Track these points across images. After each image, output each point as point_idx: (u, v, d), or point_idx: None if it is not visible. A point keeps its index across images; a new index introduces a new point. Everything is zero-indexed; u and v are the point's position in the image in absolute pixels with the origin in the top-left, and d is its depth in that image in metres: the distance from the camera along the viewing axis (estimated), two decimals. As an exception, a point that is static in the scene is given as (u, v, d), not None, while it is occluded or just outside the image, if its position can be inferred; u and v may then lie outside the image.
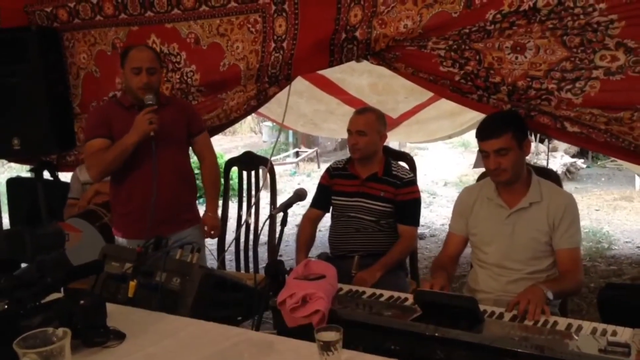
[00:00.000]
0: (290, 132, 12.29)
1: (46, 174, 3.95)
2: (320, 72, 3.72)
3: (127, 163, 2.86)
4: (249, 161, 3.69)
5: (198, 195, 3.41)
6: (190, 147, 3.16)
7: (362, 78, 4.33)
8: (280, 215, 2.35)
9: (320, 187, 3.22)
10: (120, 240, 2.99)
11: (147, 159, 2.84)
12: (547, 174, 2.66)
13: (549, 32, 2.45)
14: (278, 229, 2.34)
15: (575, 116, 2.54)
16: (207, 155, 3.21)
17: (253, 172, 3.66)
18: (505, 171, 2.39)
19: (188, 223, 3.06)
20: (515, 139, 2.38)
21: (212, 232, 3.18)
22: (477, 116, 4.65)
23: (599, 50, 2.40)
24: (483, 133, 2.43)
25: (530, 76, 2.56)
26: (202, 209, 3.21)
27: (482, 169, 2.73)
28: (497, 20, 2.50)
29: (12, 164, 8.02)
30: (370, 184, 3.02)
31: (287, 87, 3.23)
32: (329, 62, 2.96)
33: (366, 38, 2.79)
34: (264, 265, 2.86)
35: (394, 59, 2.84)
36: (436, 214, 7.58)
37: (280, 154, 12.60)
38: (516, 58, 2.57)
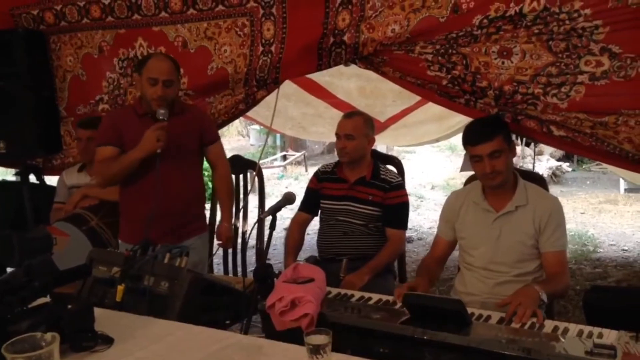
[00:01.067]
0: (278, 135, 12.30)
1: (32, 178, 3.92)
2: (308, 75, 3.73)
3: (136, 170, 2.84)
4: (237, 165, 3.68)
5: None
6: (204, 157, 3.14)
7: (350, 82, 4.34)
8: (268, 218, 2.36)
9: (309, 190, 3.23)
10: (122, 244, 2.97)
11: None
12: (533, 177, 2.69)
13: (535, 37, 2.47)
14: (267, 232, 2.34)
15: (561, 120, 2.56)
16: (221, 164, 3.18)
17: (241, 176, 3.65)
18: (500, 174, 2.41)
19: (194, 232, 3.04)
20: (506, 141, 2.42)
21: (226, 242, 3.18)
22: (464, 120, 4.67)
23: (584, 55, 2.42)
24: (474, 138, 2.43)
25: (517, 81, 2.58)
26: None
27: (470, 173, 2.75)
28: (483, 25, 2.52)
29: (-2, 168, 7.94)
30: (359, 188, 3.04)
31: (276, 91, 3.24)
32: (317, 66, 2.97)
33: (354, 42, 2.81)
34: (252, 269, 2.87)
35: (382, 63, 2.85)
36: (424, 217, 7.62)
37: (267, 157, 12.59)
38: (502, 63, 2.59)
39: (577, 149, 2.64)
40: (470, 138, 2.45)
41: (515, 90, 2.60)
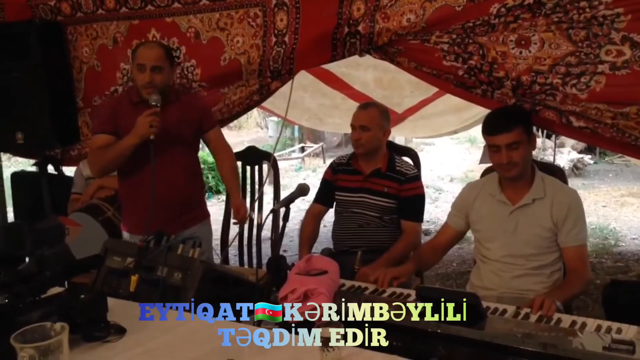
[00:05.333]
0: (296, 127, 12.27)
1: (51, 169, 3.95)
2: (324, 66, 3.70)
3: (134, 159, 2.85)
4: (253, 156, 3.67)
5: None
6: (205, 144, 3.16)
7: (367, 73, 4.31)
8: (283, 210, 2.34)
9: (324, 182, 3.21)
10: (126, 235, 3.00)
11: (155, 156, 2.80)
12: (552, 170, 2.64)
13: (554, 25, 2.42)
14: (281, 224, 2.33)
15: (581, 111, 2.51)
16: (223, 149, 3.17)
17: (257, 167, 3.64)
18: (517, 165, 2.38)
19: (195, 220, 3.05)
20: (526, 133, 2.38)
21: (244, 217, 3.14)
22: (483, 111, 4.58)
23: (604, 44, 2.37)
24: (493, 128, 2.41)
25: (535, 71, 2.53)
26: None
27: (487, 165, 2.71)
28: (501, 14, 2.47)
29: (19, 158, 8.03)
30: (374, 180, 3.01)
31: (290, 82, 3.21)
32: (332, 57, 2.94)
33: (369, 32, 2.77)
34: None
35: (397, 53, 2.81)
36: (442, 210, 7.55)
37: (285, 149, 12.58)
38: (520, 53, 2.54)
39: (597, 140, 2.57)
40: (490, 128, 2.42)
41: (533, 81, 2.55)
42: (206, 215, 3.16)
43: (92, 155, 2.96)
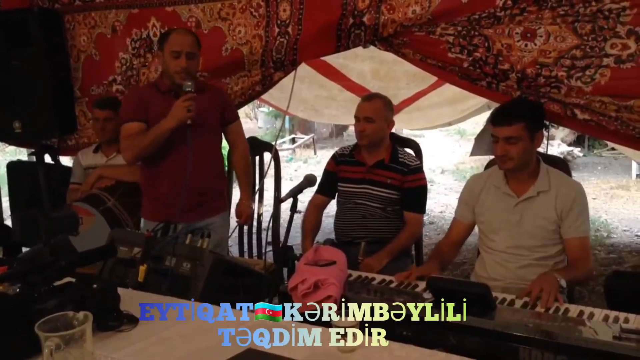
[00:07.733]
0: (287, 118, 12.25)
1: (47, 158, 3.91)
2: (322, 57, 3.69)
3: (160, 147, 2.84)
4: (253, 147, 3.66)
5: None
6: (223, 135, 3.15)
7: (364, 64, 4.31)
8: (288, 200, 2.35)
9: (326, 173, 3.21)
10: (145, 222, 2.98)
11: (181, 144, 2.80)
12: (556, 162, 2.66)
13: (560, 18, 2.44)
14: (287, 214, 2.33)
15: (585, 104, 2.53)
16: (240, 143, 3.21)
17: (257, 158, 3.64)
18: (512, 160, 2.40)
19: (216, 210, 3.05)
20: (527, 130, 2.38)
21: (246, 220, 3.22)
22: (478, 103, 4.66)
23: (609, 38, 2.39)
24: (496, 118, 2.45)
25: (540, 63, 2.55)
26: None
27: (479, 157, 2.74)
28: (507, 6, 2.49)
29: (7, 148, 7.93)
30: (377, 171, 3.02)
31: (292, 73, 3.21)
32: (336, 48, 2.94)
33: (374, 23, 2.77)
34: (267, 251, 2.88)
35: (402, 44, 2.81)
36: (434, 202, 7.58)
37: (276, 140, 12.54)
38: (526, 45, 2.55)
39: (601, 133, 2.60)
40: (494, 117, 2.47)
41: (538, 74, 2.57)
42: (225, 207, 3.15)
43: (125, 142, 2.89)
